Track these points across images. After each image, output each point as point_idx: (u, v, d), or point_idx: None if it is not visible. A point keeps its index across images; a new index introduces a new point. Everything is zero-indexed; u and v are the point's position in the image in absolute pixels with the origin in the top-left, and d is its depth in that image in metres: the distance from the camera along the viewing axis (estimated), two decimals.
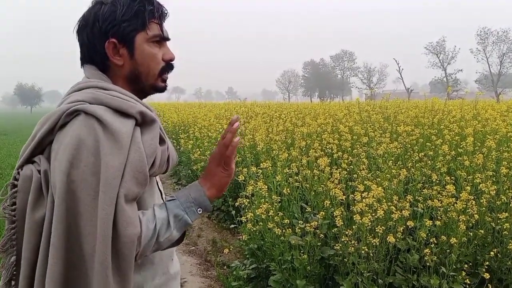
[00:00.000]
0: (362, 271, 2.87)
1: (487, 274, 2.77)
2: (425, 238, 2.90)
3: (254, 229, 3.52)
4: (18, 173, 1.14)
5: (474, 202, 3.05)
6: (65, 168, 1.04)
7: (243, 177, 3.93)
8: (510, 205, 3.14)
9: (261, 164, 4.25)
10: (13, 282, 1.14)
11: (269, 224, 3.30)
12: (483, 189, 3.21)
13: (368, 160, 4.24)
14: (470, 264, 3.01)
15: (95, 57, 1.22)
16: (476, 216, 2.98)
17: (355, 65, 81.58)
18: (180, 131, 10.57)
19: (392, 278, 3.00)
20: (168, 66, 1.28)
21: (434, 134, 4.93)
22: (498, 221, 3.07)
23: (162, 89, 1.30)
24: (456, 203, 2.96)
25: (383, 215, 2.88)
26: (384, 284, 2.95)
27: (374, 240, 2.79)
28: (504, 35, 46.03)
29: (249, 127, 7.27)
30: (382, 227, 2.84)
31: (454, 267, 2.86)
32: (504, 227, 2.96)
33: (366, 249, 2.83)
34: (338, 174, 3.65)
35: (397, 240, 2.91)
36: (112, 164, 1.05)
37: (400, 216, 2.89)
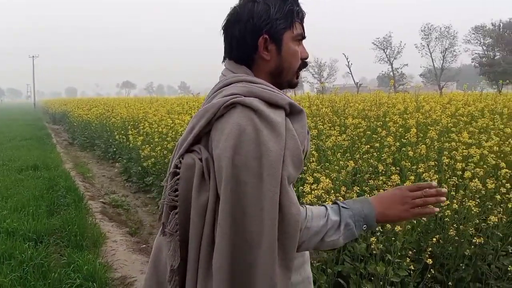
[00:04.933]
0: (312, 261, 2.90)
1: (430, 260, 2.87)
2: None
3: None
4: (180, 162, 1.22)
5: None
6: (230, 154, 1.13)
7: None
8: (451, 193, 3.28)
9: None
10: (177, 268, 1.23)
11: None
12: (426, 178, 3.33)
13: (318, 153, 4.31)
14: (414, 250, 3.12)
15: (243, 51, 1.29)
16: None
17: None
18: (129, 127, 10.28)
19: (341, 267, 3.06)
20: (303, 63, 1.36)
21: (380, 126, 5.07)
22: (440, 209, 3.20)
23: (295, 85, 1.40)
24: None
25: None
26: (333, 273, 3.01)
27: None
28: (446, 31, 48.03)
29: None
30: None
31: (399, 254, 2.96)
32: (446, 214, 3.09)
33: None
34: None
35: None
36: (274, 150, 1.13)
37: None
